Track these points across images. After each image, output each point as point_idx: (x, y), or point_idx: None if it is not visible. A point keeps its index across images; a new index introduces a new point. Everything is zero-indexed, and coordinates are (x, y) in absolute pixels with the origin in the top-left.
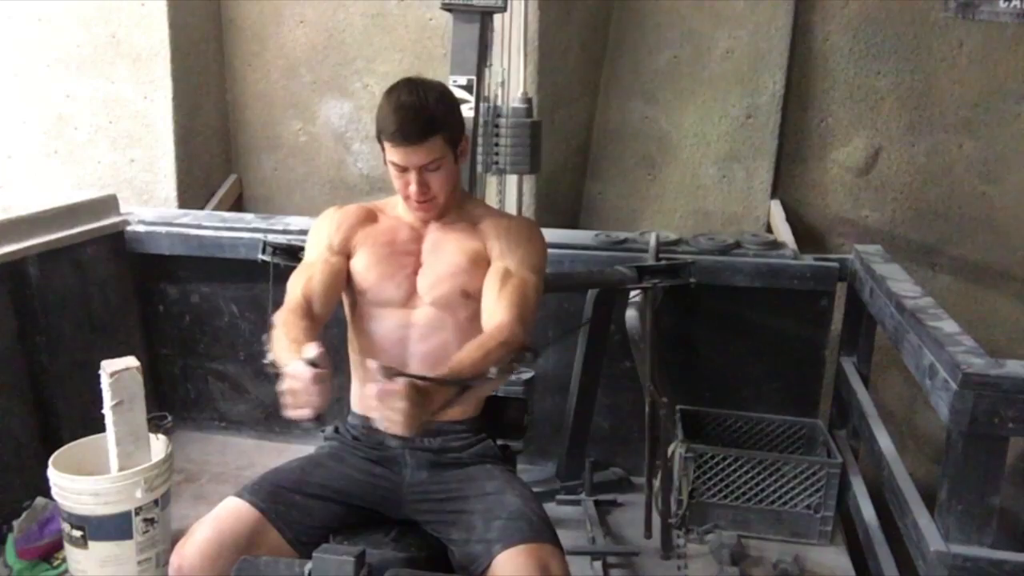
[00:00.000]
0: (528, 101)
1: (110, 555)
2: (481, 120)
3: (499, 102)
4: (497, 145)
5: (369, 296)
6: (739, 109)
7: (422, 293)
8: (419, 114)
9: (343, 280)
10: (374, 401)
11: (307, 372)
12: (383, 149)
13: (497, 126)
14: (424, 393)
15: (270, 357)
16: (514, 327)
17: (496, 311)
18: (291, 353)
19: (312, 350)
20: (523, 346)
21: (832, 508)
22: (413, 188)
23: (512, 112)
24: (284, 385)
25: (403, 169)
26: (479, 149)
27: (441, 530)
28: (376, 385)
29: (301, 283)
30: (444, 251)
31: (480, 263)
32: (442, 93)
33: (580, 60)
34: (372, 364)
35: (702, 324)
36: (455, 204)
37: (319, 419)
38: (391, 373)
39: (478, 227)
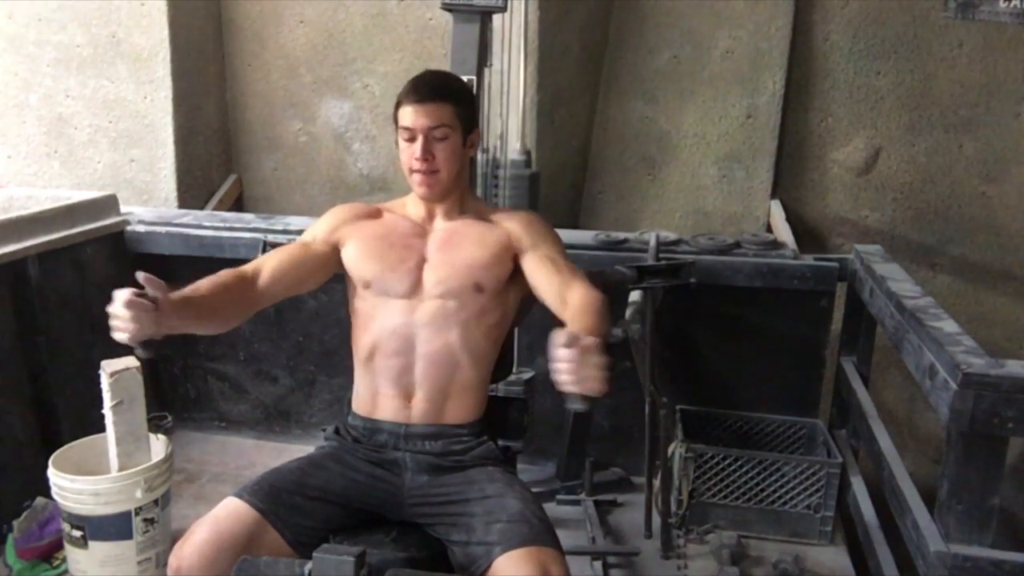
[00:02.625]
0: (527, 154)
1: (110, 555)
2: (479, 171)
3: (498, 154)
4: (496, 196)
5: (375, 289)
6: (739, 109)
7: (428, 287)
8: (434, 80)
9: (313, 266)
10: (568, 366)
11: (124, 294)
12: (397, 127)
13: (496, 177)
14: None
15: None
16: (600, 295)
17: (573, 287)
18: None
19: (147, 284)
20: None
21: (832, 508)
22: (417, 154)
23: (511, 164)
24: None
25: (411, 137)
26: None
27: (441, 532)
28: (567, 351)
29: (266, 257)
30: (458, 246)
31: (501, 256)
32: (460, 80)
33: (580, 60)
34: (555, 335)
35: (702, 324)
36: (461, 199)
37: (143, 347)
38: (573, 339)
39: (494, 222)
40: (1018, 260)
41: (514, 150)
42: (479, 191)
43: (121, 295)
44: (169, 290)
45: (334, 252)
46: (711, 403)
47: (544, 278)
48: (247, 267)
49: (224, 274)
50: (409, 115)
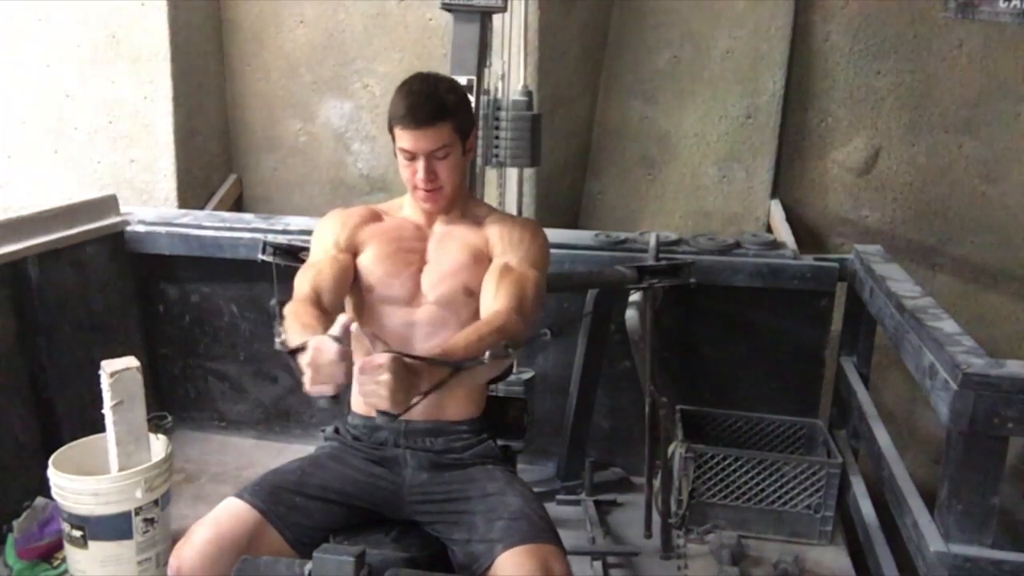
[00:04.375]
0: (528, 94)
1: (110, 555)
2: (482, 112)
3: (499, 95)
4: (497, 138)
5: (376, 293)
6: (739, 109)
7: (426, 291)
8: (429, 99)
9: (349, 277)
10: (361, 376)
11: (333, 346)
12: (394, 140)
13: (497, 119)
14: (411, 370)
15: (282, 338)
16: (511, 315)
17: (494, 301)
18: (304, 335)
19: (339, 327)
20: (519, 336)
21: (832, 508)
22: (420, 176)
23: (512, 105)
24: (307, 359)
25: (411, 156)
26: (479, 143)
27: (442, 530)
28: (363, 361)
29: (309, 278)
30: (448, 248)
31: (481, 260)
32: (453, 85)
33: (580, 60)
34: (365, 333)
35: (702, 324)
36: (460, 202)
37: (336, 398)
38: (381, 347)
39: (482, 225)
40: (1018, 260)
41: (515, 90)
42: (480, 137)
43: (330, 347)
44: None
45: (354, 258)
46: (711, 403)
47: (485, 287)
48: (308, 293)
49: (306, 307)
50: (408, 139)
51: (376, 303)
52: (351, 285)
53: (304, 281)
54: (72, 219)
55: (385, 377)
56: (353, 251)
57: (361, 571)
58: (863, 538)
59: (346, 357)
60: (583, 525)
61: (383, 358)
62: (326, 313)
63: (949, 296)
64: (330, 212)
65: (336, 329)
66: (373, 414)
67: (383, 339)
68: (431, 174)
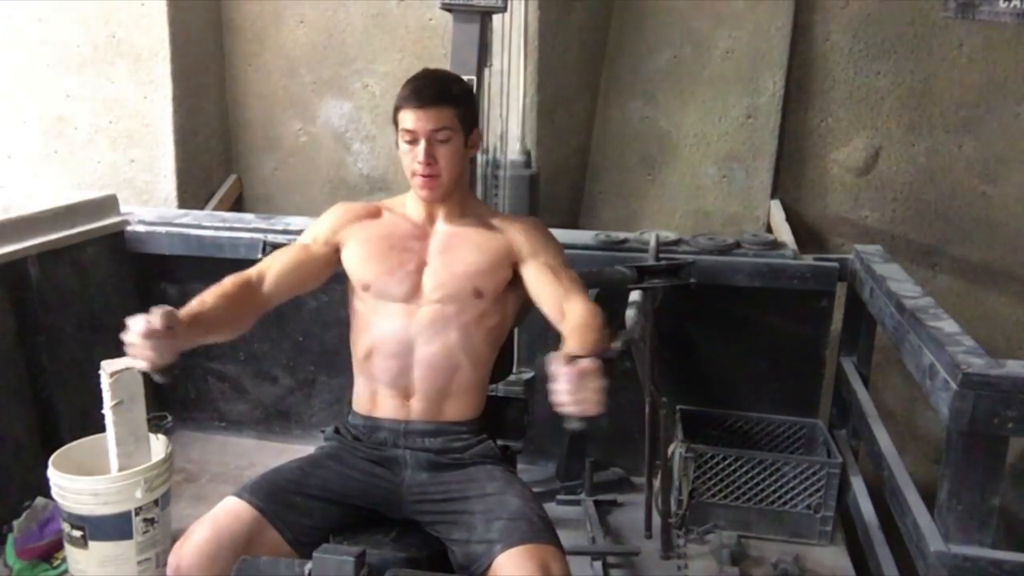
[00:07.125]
0: (527, 154)
1: (110, 555)
2: (480, 172)
3: (498, 154)
4: (496, 197)
5: (373, 291)
6: (739, 109)
7: (428, 292)
8: (434, 83)
9: (317, 268)
10: (567, 387)
11: (139, 324)
12: (397, 129)
13: (496, 178)
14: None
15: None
16: (597, 309)
17: (572, 299)
18: (185, 308)
19: (158, 309)
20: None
21: (832, 508)
22: (420, 158)
23: (511, 165)
24: (125, 334)
25: (413, 139)
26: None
27: (441, 530)
28: (566, 372)
29: (267, 259)
30: (458, 249)
31: (502, 262)
32: (460, 80)
33: (580, 60)
34: (554, 358)
35: (702, 324)
36: (462, 201)
37: (161, 373)
38: (571, 362)
39: (495, 227)
40: (1018, 260)
41: (514, 151)
42: (479, 192)
43: (138, 326)
44: (178, 317)
45: (335, 253)
46: (711, 403)
47: (543, 288)
48: (251, 272)
49: (228, 282)
50: (411, 119)
51: (373, 300)
52: (351, 290)
53: (263, 261)
54: (72, 219)
55: (599, 382)
56: (333, 245)
57: (361, 571)
58: (863, 538)
59: (152, 336)
60: (583, 525)
61: (591, 364)
62: (254, 296)
63: (949, 296)
64: (336, 204)
65: (156, 311)
66: (374, 414)
67: (392, 360)
68: (430, 157)
